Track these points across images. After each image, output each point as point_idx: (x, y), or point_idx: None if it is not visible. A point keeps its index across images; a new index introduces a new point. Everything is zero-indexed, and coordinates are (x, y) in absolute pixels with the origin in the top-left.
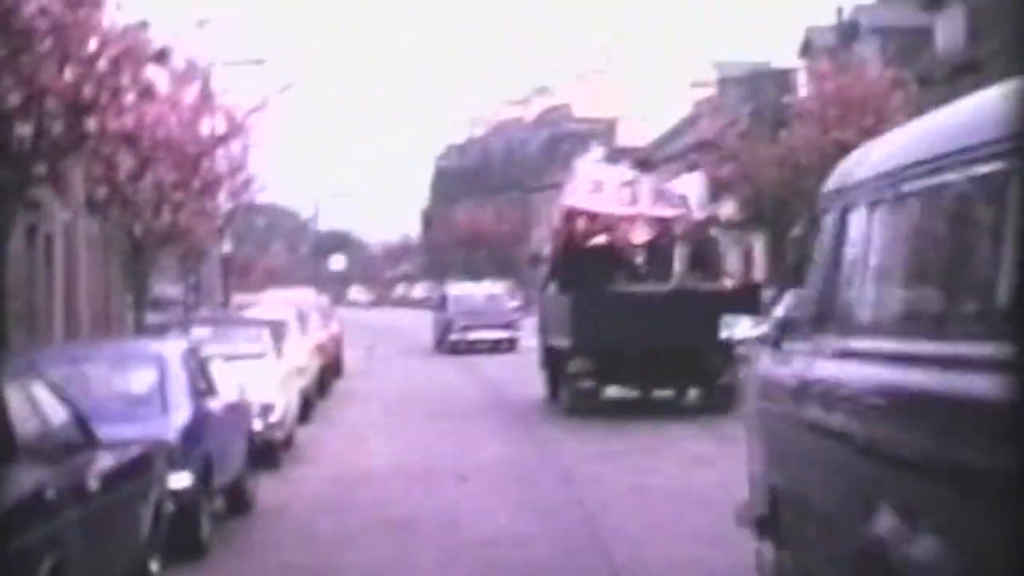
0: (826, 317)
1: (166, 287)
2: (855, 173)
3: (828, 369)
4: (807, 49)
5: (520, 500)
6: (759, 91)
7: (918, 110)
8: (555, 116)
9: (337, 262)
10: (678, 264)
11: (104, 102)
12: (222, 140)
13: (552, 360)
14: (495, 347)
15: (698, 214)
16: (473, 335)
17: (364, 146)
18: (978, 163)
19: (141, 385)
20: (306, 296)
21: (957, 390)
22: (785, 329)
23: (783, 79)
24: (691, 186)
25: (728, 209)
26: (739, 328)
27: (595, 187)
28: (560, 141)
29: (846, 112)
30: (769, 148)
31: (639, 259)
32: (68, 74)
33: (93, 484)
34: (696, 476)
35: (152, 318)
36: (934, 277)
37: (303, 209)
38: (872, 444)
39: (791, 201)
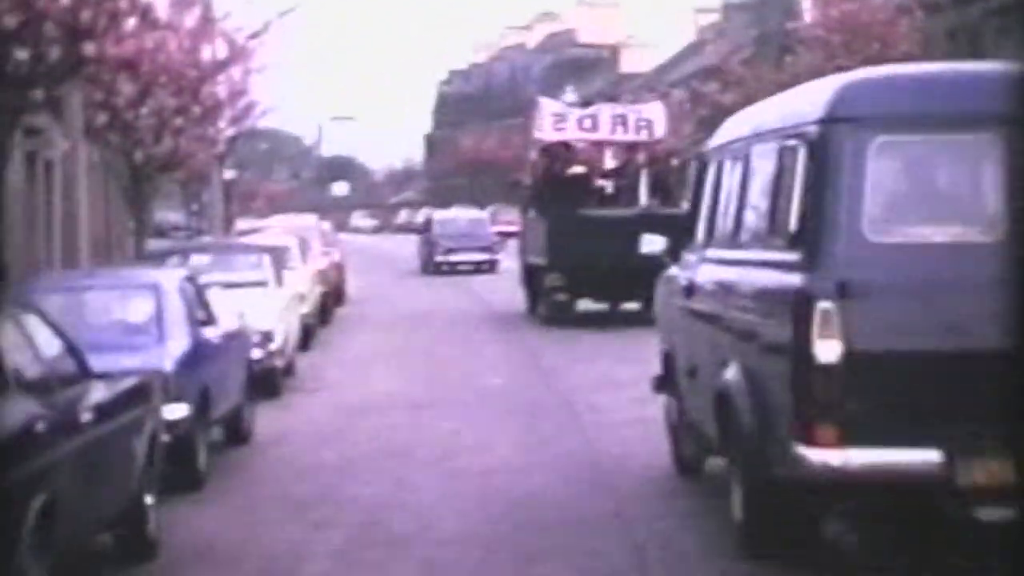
0: (704, 234)
1: (168, 214)
2: (718, 138)
3: (699, 270)
4: None
5: (509, 386)
6: (764, 17)
7: (924, 37)
8: (559, 42)
9: (340, 188)
10: (643, 190)
11: (102, 27)
12: (223, 65)
13: (531, 277)
14: (477, 268)
15: (661, 144)
16: (456, 257)
17: (367, 71)
18: (777, 139)
19: (137, 314)
20: (308, 222)
21: (754, 281)
22: (681, 245)
23: (788, 5)
24: (656, 113)
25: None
26: (656, 245)
27: (558, 119)
28: (563, 67)
29: (851, 39)
30: (774, 74)
31: (608, 185)
32: None
33: (85, 417)
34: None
35: (154, 245)
36: (750, 210)
37: (306, 134)
38: (716, 317)
39: None
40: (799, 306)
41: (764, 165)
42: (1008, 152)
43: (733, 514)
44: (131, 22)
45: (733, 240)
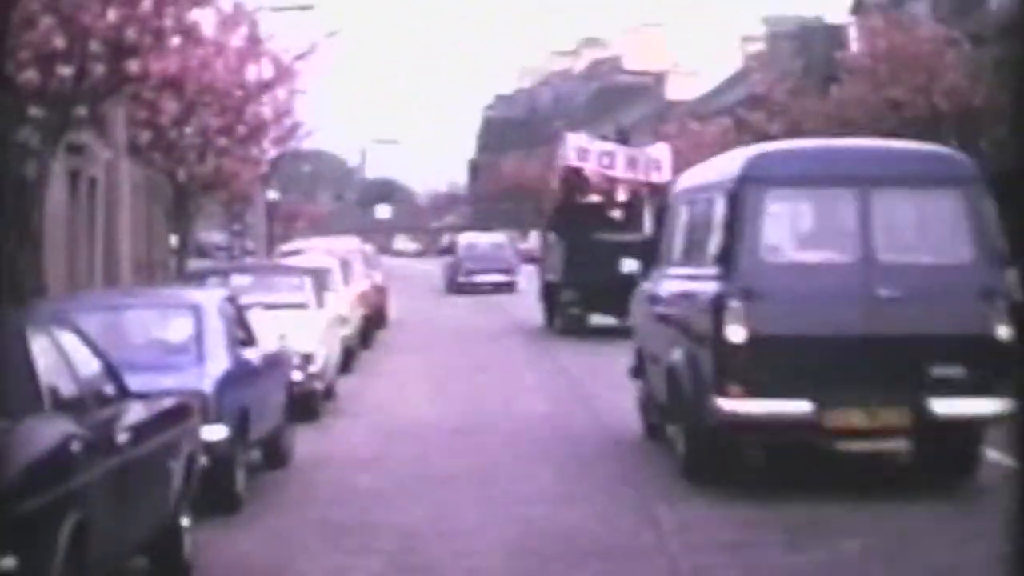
0: (663, 258)
1: (210, 234)
2: (679, 185)
3: (660, 284)
4: (859, 6)
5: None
6: (809, 47)
7: (971, 68)
8: (604, 68)
9: (383, 211)
10: (647, 219)
11: (147, 45)
12: (268, 86)
13: (549, 293)
14: (497, 289)
15: (662, 179)
16: (477, 278)
17: (411, 94)
18: (709, 191)
19: (177, 334)
20: (350, 244)
21: (691, 289)
22: (649, 265)
23: (835, 35)
24: (663, 154)
25: None
26: (632, 266)
27: (580, 155)
28: (609, 93)
29: (898, 69)
30: (819, 104)
31: (617, 214)
32: (111, 15)
33: (121, 437)
34: None
35: (196, 265)
36: (693, 239)
37: (350, 156)
38: (668, 317)
39: None
40: (717, 304)
41: (702, 208)
42: (859, 201)
43: (678, 455)
44: (176, 40)
45: (682, 261)
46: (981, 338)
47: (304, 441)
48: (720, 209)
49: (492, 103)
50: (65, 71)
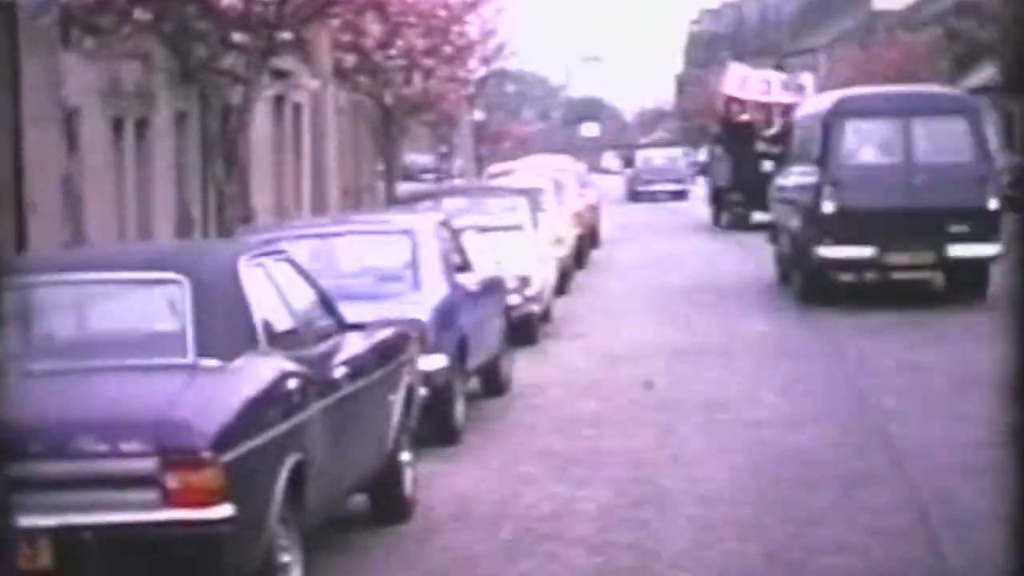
0: (787, 161)
1: (417, 157)
2: (798, 113)
3: (785, 178)
4: None
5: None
6: None
7: None
8: None
9: (590, 129)
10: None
11: None
12: (473, 5)
13: (716, 196)
14: (672, 196)
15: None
16: (653, 187)
17: (616, 11)
18: (813, 119)
19: (392, 261)
20: (562, 164)
21: (801, 180)
22: (780, 166)
23: None
24: (808, 82)
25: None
26: (770, 166)
27: (741, 83)
28: (814, 6)
29: None
30: None
31: (773, 130)
32: None
33: (339, 372)
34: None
35: (405, 189)
36: (804, 149)
37: (555, 75)
38: (790, 199)
39: None
40: (817, 189)
41: (807, 130)
42: (903, 125)
43: (795, 290)
44: None
45: (796, 163)
46: (979, 208)
47: (522, 367)
48: (818, 131)
49: (698, 18)
50: None
